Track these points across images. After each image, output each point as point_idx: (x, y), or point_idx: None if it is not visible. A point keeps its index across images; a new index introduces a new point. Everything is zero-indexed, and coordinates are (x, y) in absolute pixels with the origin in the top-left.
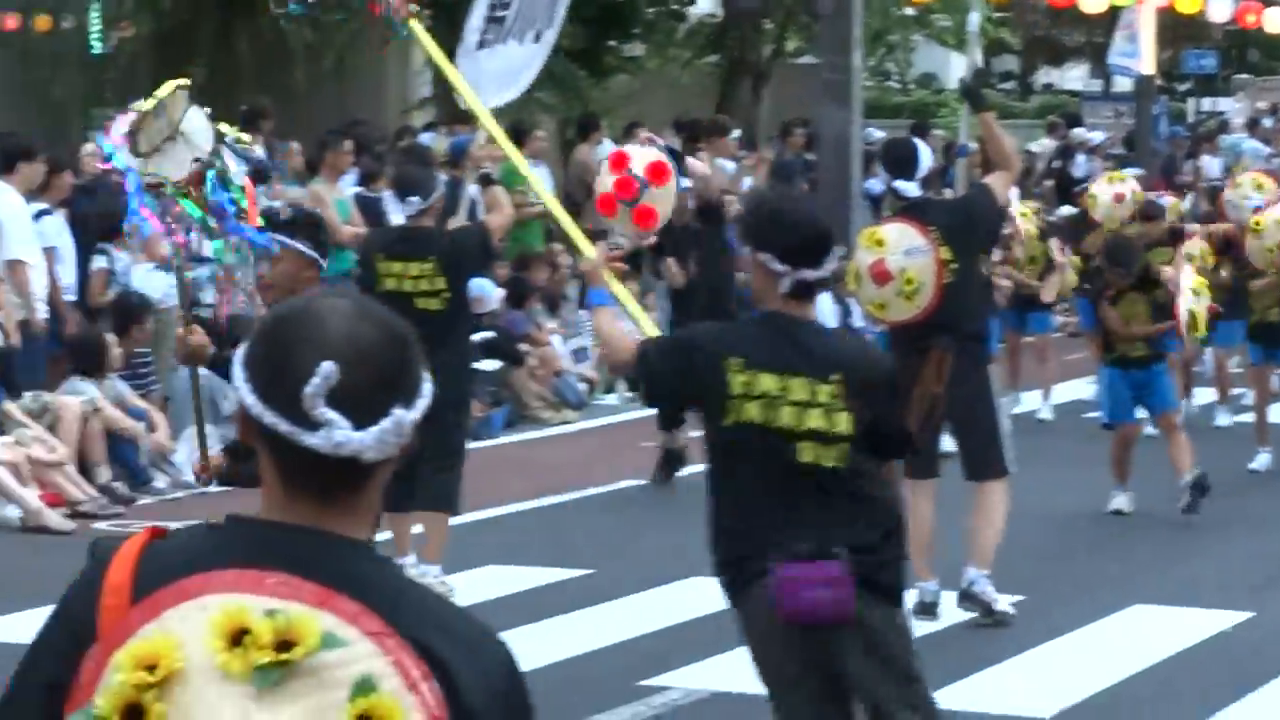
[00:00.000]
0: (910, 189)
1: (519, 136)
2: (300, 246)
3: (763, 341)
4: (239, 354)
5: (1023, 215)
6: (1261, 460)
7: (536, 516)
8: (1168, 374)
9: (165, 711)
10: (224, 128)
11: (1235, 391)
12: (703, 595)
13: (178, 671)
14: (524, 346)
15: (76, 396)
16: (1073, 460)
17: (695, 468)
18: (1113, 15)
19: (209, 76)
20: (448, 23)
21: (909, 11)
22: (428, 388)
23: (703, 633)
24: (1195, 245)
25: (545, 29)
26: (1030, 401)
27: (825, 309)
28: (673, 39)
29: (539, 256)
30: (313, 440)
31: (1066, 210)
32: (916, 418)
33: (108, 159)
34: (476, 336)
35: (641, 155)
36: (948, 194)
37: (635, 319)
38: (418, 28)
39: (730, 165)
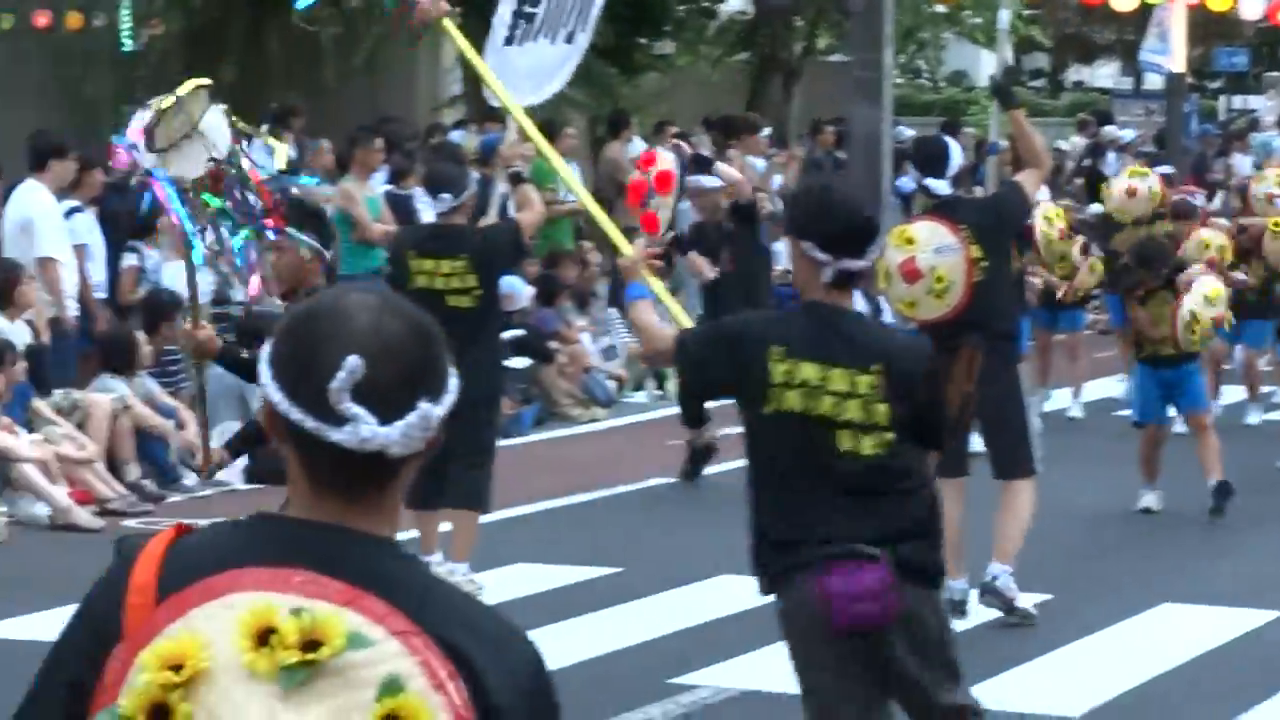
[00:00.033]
0: (941, 187)
1: (550, 134)
2: (304, 238)
3: (805, 331)
4: (264, 351)
5: (1046, 219)
6: None
7: (565, 514)
8: (1200, 373)
9: (191, 711)
10: (245, 127)
11: (1266, 390)
12: (732, 593)
13: (204, 671)
14: (553, 344)
15: (106, 394)
16: (1102, 458)
17: (723, 465)
18: (1144, 12)
19: (239, 74)
20: (479, 19)
21: (940, 9)
22: (454, 383)
23: (732, 631)
24: (1216, 235)
25: (578, 30)
26: (1060, 399)
27: (855, 306)
28: (703, 36)
29: (569, 254)
30: (339, 436)
31: (1096, 208)
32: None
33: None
34: (506, 334)
35: (660, 160)
36: (978, 192)
37: (672, 313)
38: (450, 25)
39: (761, 163)
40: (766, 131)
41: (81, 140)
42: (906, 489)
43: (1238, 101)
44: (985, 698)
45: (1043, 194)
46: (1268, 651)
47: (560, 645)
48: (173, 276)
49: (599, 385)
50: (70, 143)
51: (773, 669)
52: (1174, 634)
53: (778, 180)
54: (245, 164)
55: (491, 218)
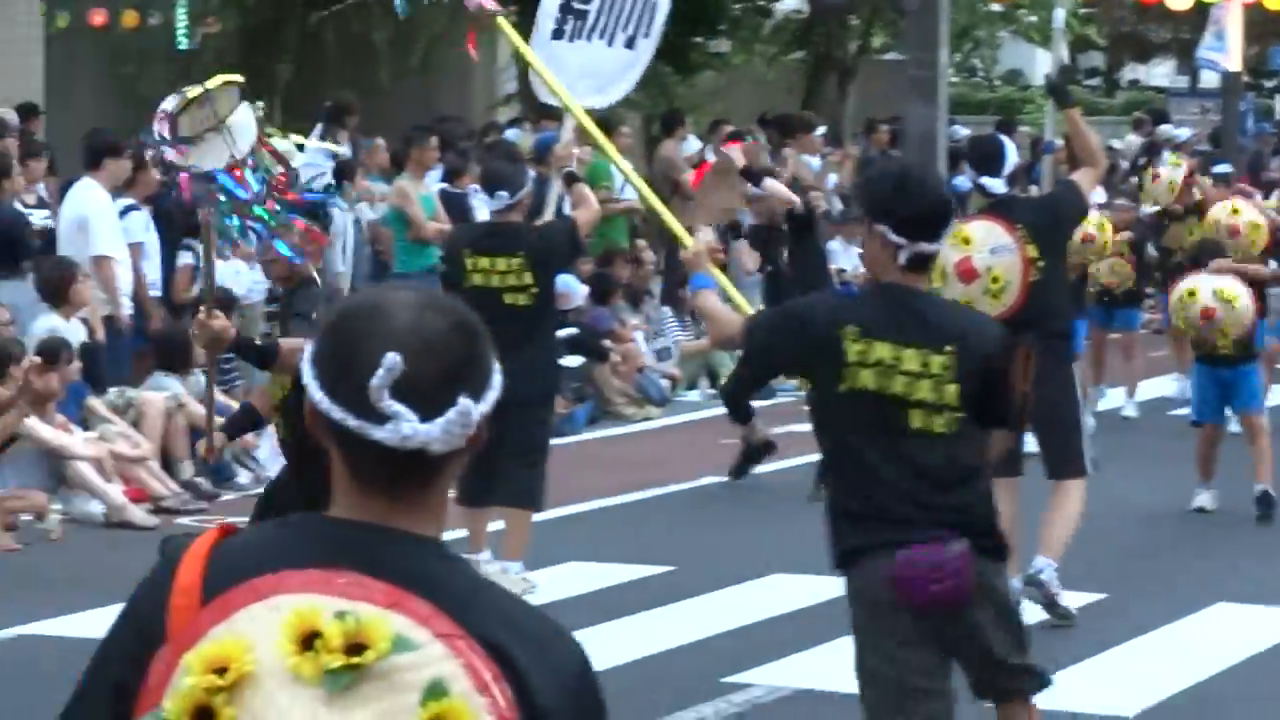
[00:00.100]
0: (996, 186)
1: (605, 132)
2: (284, 247)
3: (878, 311)
4: (306, 351)
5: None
6: None
7: (618, 513)
8: (1257, 374)
9: (235, 715)
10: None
11: None
12: (784, 592)
13: (248, 675)
14: (607, 342)
15: (160, 392)
16: (1157, 457)
17: (777, 464)
18: (1199, 11)
19: (295, 72)
20: (533, 17)
21: (995, 7)
22: (498, 379)
23: (785, 630)
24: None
25: (640, 36)
26: (1115, 398)
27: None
28: (759, 35)
29: (623, 253)
30: (380, 434)
31: (1151, 208)
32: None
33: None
34: (560, 333)
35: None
36: (1033, 191)
37: (735, 302)
38: (505, 24)
39: (816, 161)
40: (821, 130)
41: (137, 139)
42: (976, 466)
43: None
44: (1039, 696)
45: (1098, 194)
46: None
47: (613, 644)
48: (228, 275)
49: (652, 384)
50: (125, 141)
51: (826, 668)
52: (1229, 634)
53: (832, 179)
54: (277, 167)
55: (548, 216)
